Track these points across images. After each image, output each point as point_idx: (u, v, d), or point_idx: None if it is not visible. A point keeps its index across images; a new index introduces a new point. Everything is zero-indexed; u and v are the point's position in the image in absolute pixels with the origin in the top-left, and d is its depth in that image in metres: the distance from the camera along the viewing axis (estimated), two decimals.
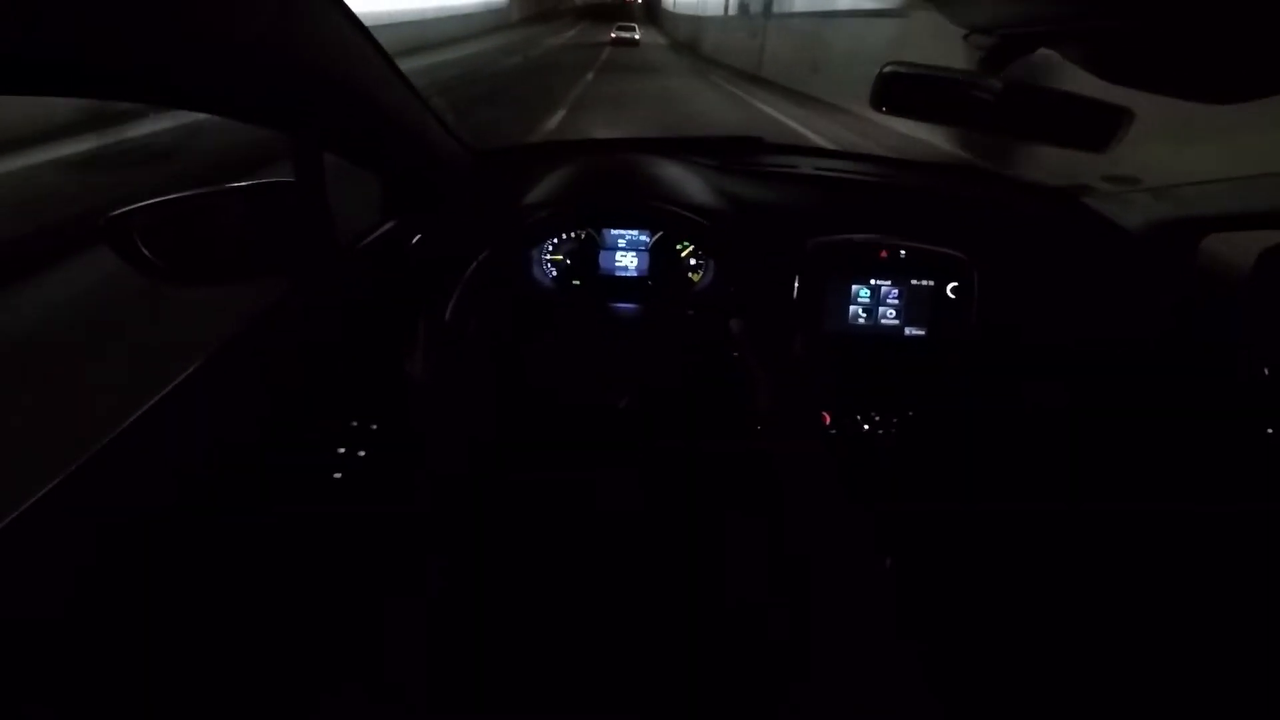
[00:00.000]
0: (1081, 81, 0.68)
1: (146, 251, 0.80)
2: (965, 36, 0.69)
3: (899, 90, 0.77)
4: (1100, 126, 0.73)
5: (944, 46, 0.78)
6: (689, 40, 26.58)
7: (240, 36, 0.54)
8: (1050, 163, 0.86)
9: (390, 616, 0.64)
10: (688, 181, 1.23)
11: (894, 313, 1.18)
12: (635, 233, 1.21)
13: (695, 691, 0.83)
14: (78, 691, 0.60)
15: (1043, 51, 0.66)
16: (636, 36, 27.26)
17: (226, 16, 0.51)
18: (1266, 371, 1.14)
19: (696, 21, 26.63)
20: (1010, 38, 0.64)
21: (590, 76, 13.90)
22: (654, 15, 54.88)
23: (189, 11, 0.48)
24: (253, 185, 0.85)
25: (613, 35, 27.01)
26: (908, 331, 1.19)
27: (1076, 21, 0.54)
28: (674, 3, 39.16)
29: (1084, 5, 0.52)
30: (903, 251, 1.14)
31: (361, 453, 1.01)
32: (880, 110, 0.77)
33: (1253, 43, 0.49)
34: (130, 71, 0.49)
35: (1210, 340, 1.21)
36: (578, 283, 1.21)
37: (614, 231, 1.20)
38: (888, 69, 0.76)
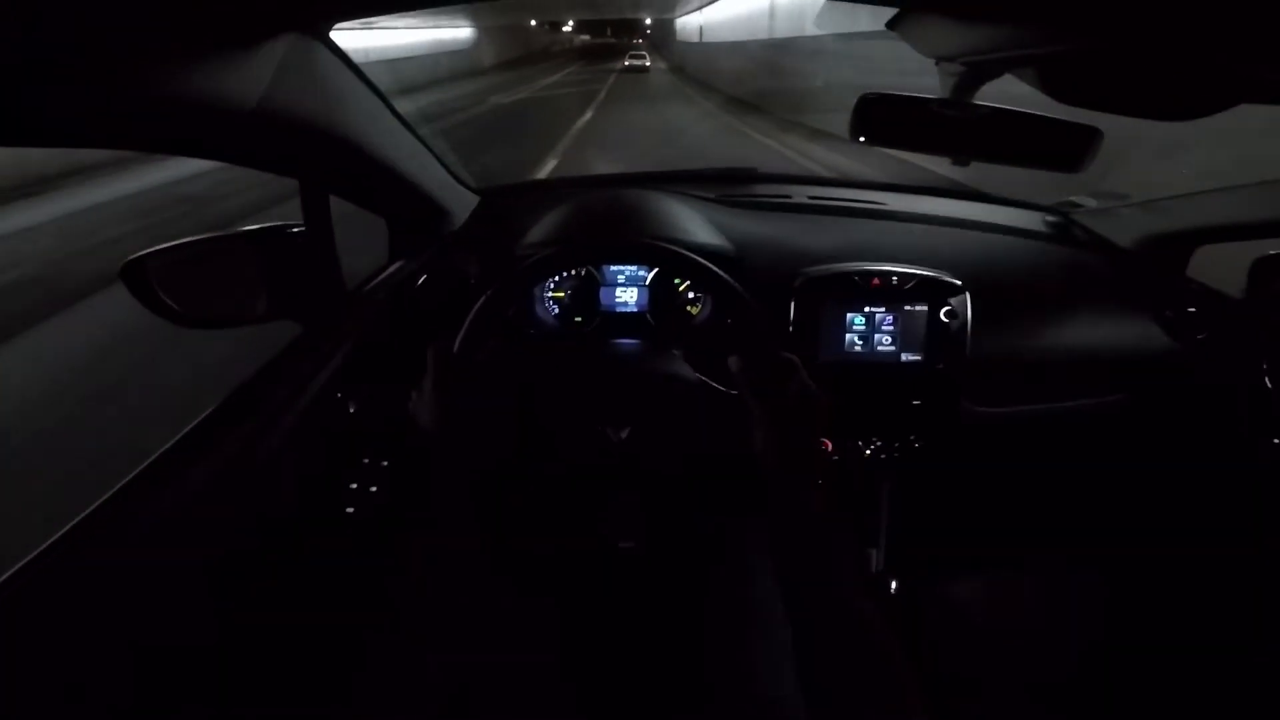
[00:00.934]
0: (1049, 106, 0.71)
1: (162, 294, 0.84)
2: (936, 64, 0.72)
3: (876, 119, 0.79)
4: (1071, 147, 0.75)
5: None
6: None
7: (246, 88, 0.57)
8: (1039, 181, 0.88)
9: (390, 651, 0.65)
10: (685, 216, 1.26)
11: (890, 339, 1.20)
12: (634, 268, 1.23)
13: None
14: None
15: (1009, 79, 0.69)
16: (646, 64, 30.14)
17: (231, 69, 0.55)
18: (1269, 383, 1.14)
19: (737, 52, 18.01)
20: (976, 65, 0.67)
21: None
22: (662, 46, 48.80)
23: (194, 64, 0.51)
24: (262, 229, 0.89)
25: (625, 63, 30.39)
26: (904, 357, 1.20)
27: (1033, 48, 0.57)
28: (698, 29, 29.13)
29: (1038, 32, 0.54)
30: (895, 278, 1.16)
31: (374, 488, 1.03)
32: (858, 140, 0.80)
33: (1199, 63, 0.52)
34: (142, 122, 0.53)
35: (1207, 352, 1.21)
36: (579, 319, 1.23)
37: (613, 268, 1.23)
38: (864, 98, 0.78)
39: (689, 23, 34.02)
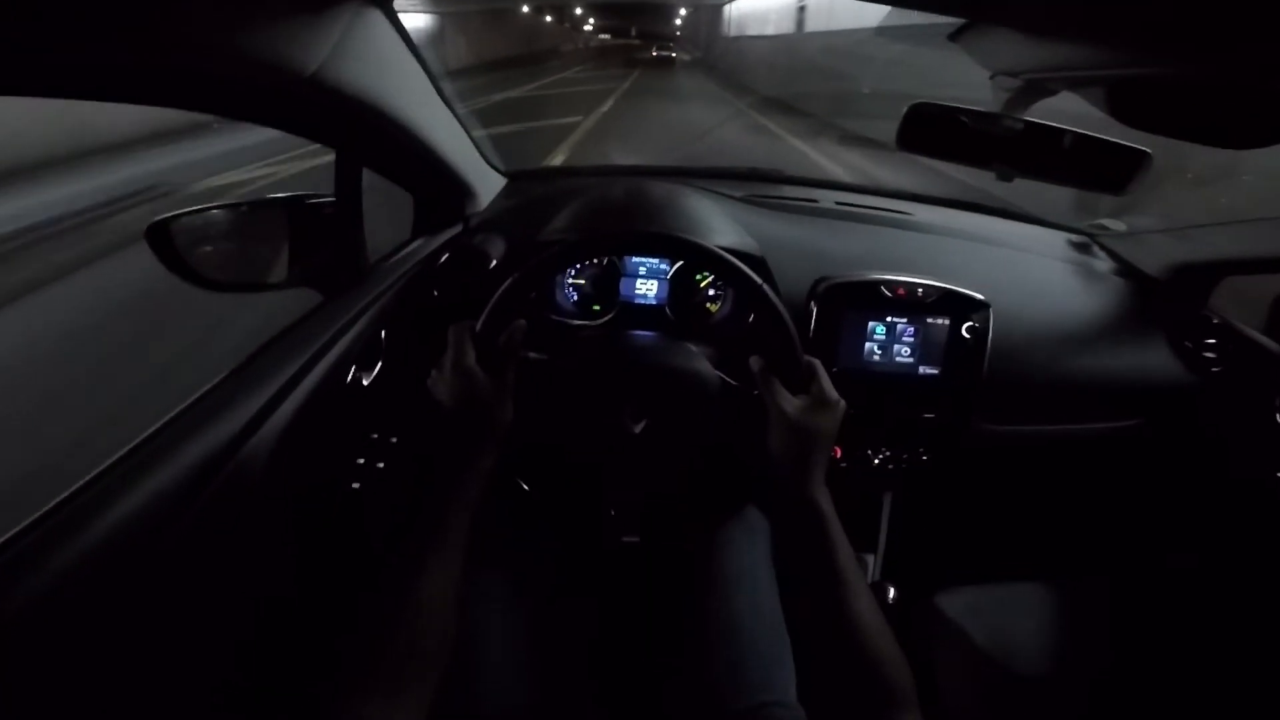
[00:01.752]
0: (1100, 124, 0.70)
1: (185, 258, 0.83)
2: (991, 77, 0.71)
3: (923, 130, 0.79)
4: (1119, 169, 0.75)
5: None
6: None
7: (308, 54, 0.56)
8: (1068, 201, 0.88)
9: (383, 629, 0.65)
10: (711, 212, 1.25)
11: (909, 351, 1.19)
12: (656, 261, 1.22)
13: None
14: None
15: (1065, 96, 0.68)
16: (673, 55, 25.83)
17: (297, 35, 0.54)
18: (1278, 416, 1.14)
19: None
20: (1034, 81, 0.66)
21: None
22: (704, 46, 33.87)
23: (262, 29, 0.50)
24: (293, 198, 0.88)
25: (654, 53, 27.52)
26: (921, 370, 1.19)
27: (1099, 69, 0.56)
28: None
29: (1107, 54, 0.54)
30: (920, 290, 1.15)
31: (380, 464, 1.03)
32: (904, 149, 0.79)
33: (1267, 91, 0.51)
34: (226, 86, 0.52)
35: (1221, 385, 1.21)
36: (598, 308, 1.23)
37: (635, 259, 1.22)
38: (914, 108, 0.78)
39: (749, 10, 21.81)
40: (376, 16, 0.66)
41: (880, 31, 11.68)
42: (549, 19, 47.98)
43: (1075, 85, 0.62)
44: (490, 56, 23.78)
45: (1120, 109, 0.60)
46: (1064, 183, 0.77)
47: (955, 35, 0.64)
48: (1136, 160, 0.74)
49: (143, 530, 0.66)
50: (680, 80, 21.36)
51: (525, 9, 34.13)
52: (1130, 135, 0.71)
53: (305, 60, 0.56)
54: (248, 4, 0.47)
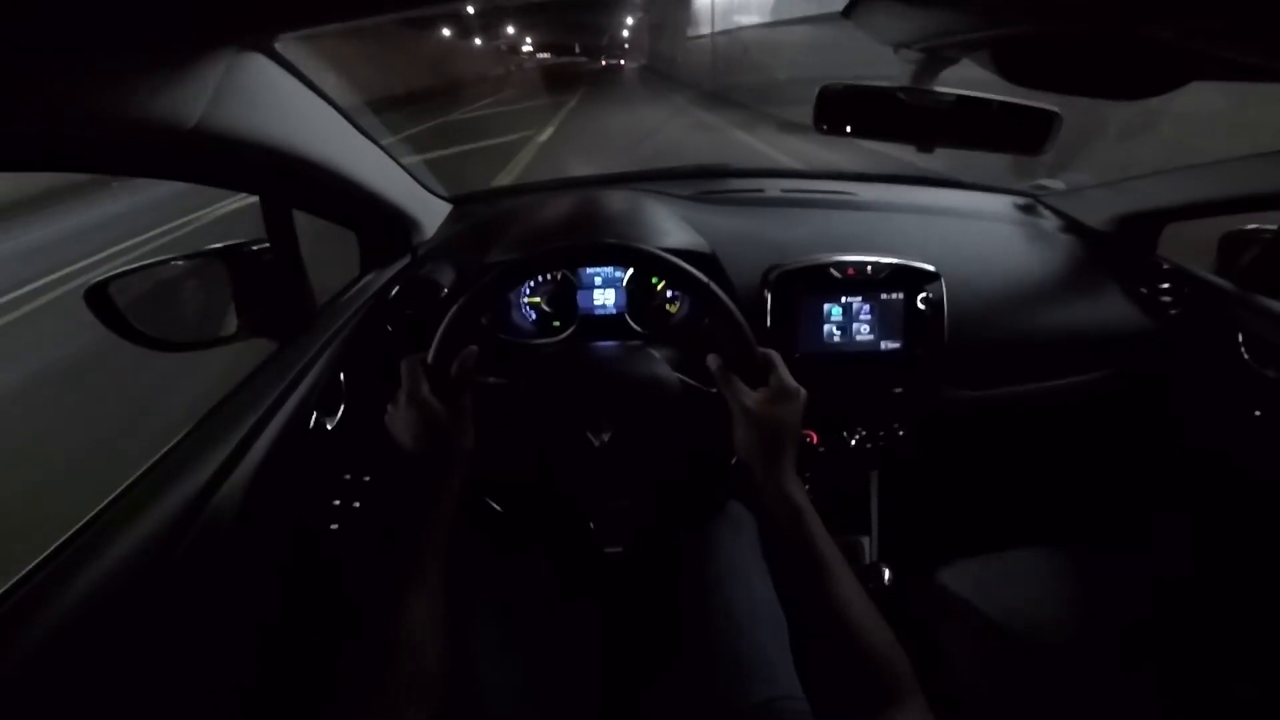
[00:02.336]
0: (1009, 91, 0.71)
1: (129, 319, 0.82)
2: (895, 51, 0.73)
3: (836, 110, 0.80)
4: (1031, 130, 0.76)
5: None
6: None
7: (187, 104, 0.56)
8: (1009, 165, 0.89)
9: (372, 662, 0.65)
10: (658, 215, 1.26)
11: (868, 328, 1.20)
12: (610, 270, 1.23)
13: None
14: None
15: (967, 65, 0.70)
16: (621, 63, 26.31)
17: (171, 85, 0.54)
18: (1244, 354, 1.15)
19: None
20: (933, 50, 0.68)
21: None
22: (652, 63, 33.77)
23: (131, 81, 0.50)
24: (228, 248, 0.88)
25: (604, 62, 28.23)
26: (883, 346, 1.20)
27: (984, 31, 0.57)
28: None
29: (988, 16, 0.55)
30: (870, 267, 1.16)
31: (356, 504, 1.02)
32: (821, 130, 0.80)
33: (1151, 43, 0.52)
34: (80, 143, 0.52)
35: (1182, 326, 1.22)
36: (558, 324, 1.23)
37: (589, 270, 1.23)
38: (825, 90, 0.79)
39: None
40: (258, 59, 0.66)
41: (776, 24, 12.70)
42: (477, 41, 39.47)
43: (966, 50, 0.63)
44: (384, 91, 16.85)
45: (1012, 71, 0.61)
46: (980, 148, 0.78)
47: (848, 11, 0.65)
48: (1047, 120, 0.75)
49: (119, 588, 0.66)
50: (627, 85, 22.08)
51: (446, 32, 29.92)
52: (1036, 98, 0.72)
53: (184, 112, 0.56)
54: (110, 63, 0.47)
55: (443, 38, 30.02)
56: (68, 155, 0.54)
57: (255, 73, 0.65)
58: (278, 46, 0.68)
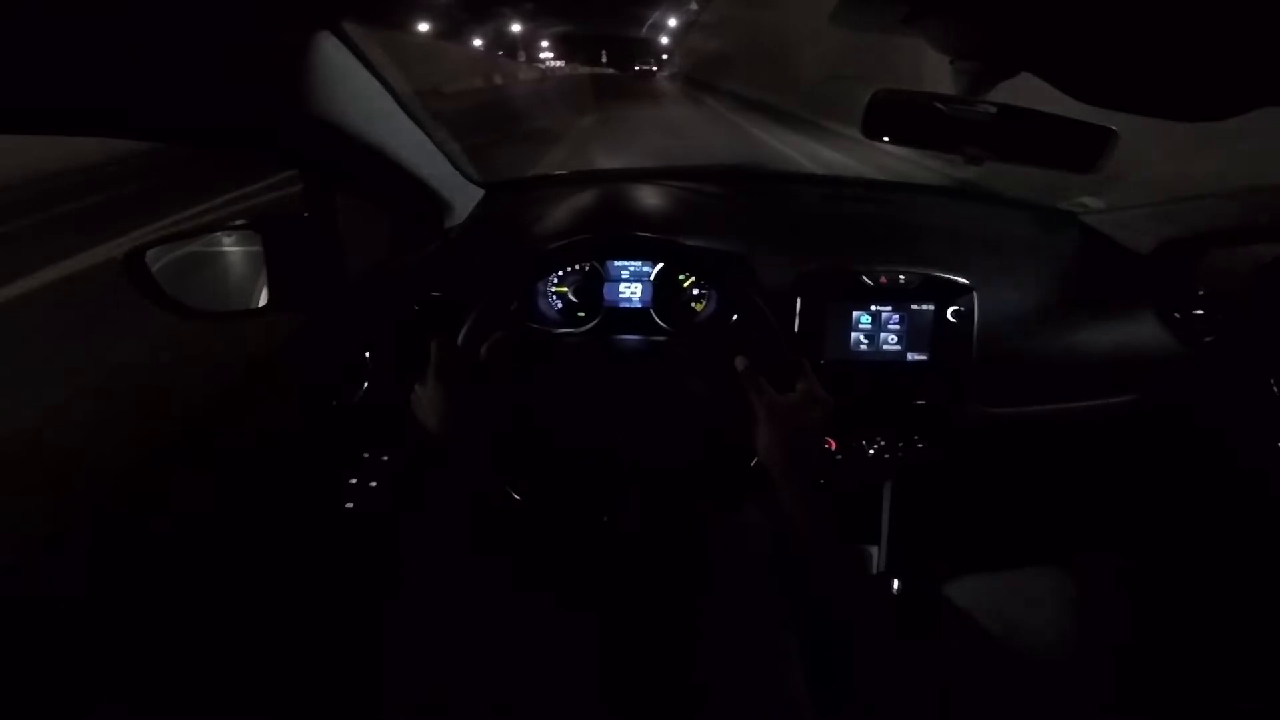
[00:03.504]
0: (1065, 104, 0.70)
1: (164, 287, 0.83)
2: (950, 62, 0.71)
3: (888, 117, 0.79)
4: (1087, 147, 0.74)
5: None
6: None
7: (258, 77, 0.56)
8: (1047, 182, 0.88)
9: (390, 643, 0.65)
10: (689, 211, 1.25)
11: (895, 338, 1.19)
12: (638, 264, 1.22)
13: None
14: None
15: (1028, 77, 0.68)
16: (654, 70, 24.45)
17: (245, 59, 0.54)
18: (1275, 387, 1.14)
19: None
20: (993, 63, 0.66)
21: None
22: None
23: (208, 54, 0.50)
24: (264, 220, 0.88)
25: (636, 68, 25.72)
26: (909, 357, 1.19)
27: (1053, 46, 0.56)
28: None
29: (1059, 30, 0.54)
30: (902, 277, 1.15)
31: (373, 483, 1.03)
32: (871, 138, 0.79)
33: (1226, 61, 0.51)
34: (153, 111, 0.52)
35: (1214, 355, 1.20)
36: (583, 314, 1.23)
37: (617, 263, 1.22)
38: (877, 95, 0.77)
39: None
40: (327, 38, 0.66)
41: None
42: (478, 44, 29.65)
43: (1027, 62, 0.62)
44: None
45: (1075, 86, 0.59)
46: (1033, 163, 0.77)
47: (909, 19, 0.64)
48: (1103, 138, 0.74)
49: (126, 562, 0.67)
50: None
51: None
52: (1093, 114, 0.71)
53: (258, 85, 0.56)
54: (190, 31, 0.47)
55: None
56: (141, 123, 0.54)
57: (324, 51, 0.65)
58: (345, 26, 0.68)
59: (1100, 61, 0.58)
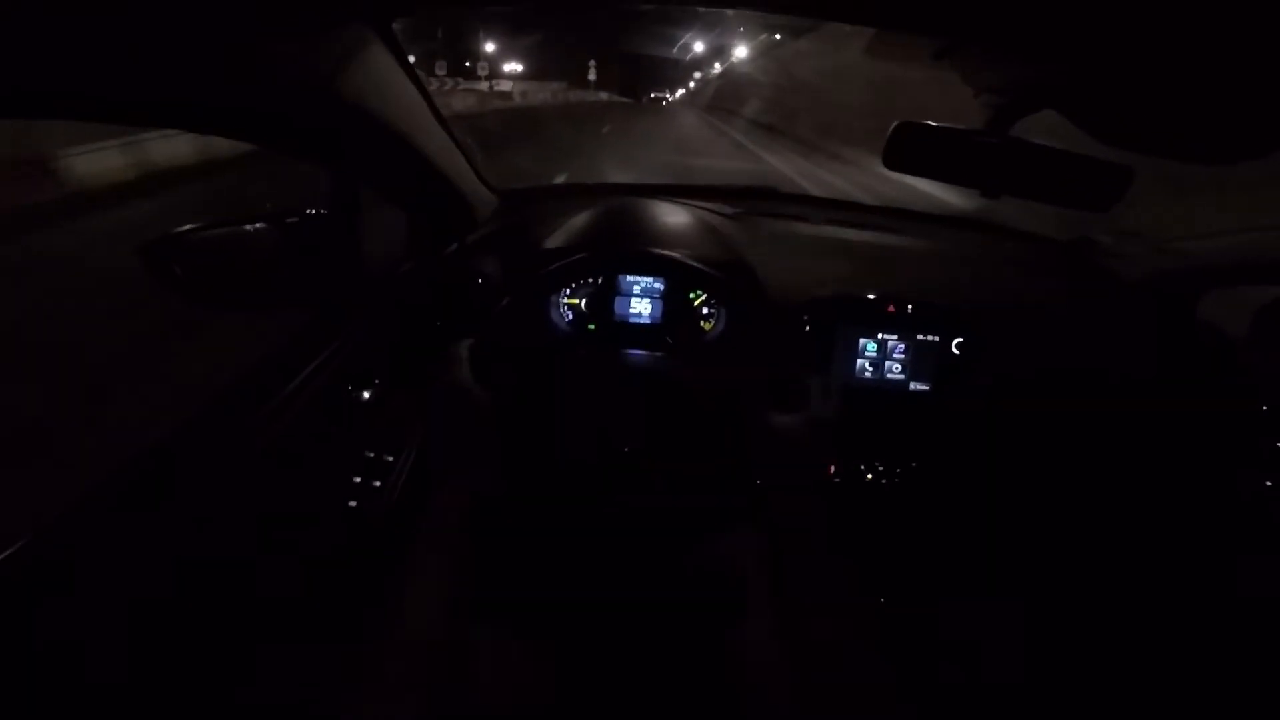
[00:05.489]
0: (1078, 143, 0.72)
1: (183, 276, 0.82)
2: (975, 95, 0.73)
3: (909, 148, 0.80)
4: (1102, 186, 0.76)
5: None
6: None
7: (307, 75, 0.57)
8: (1054, 216, 0.89)
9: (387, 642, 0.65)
10: (702, 230, 1.26)
11: (900, 367, 1.20)
12: (649, 280, 1.23)
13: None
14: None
15: (1047, 114, 0.70)
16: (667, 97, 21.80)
17: (295, 55, 0.55)
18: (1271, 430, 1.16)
19: None
20: (1018, 98, 0.68)
21: None
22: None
23: (260, 49, 0.51)
24: (286, 214, 0.88)
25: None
26: (913, 386, 1.21)
27: (1081, 85, 0.58)
28: None
29: (1089, 70, 0.55)
30: (909, 307, 1.17)
31: (377, 483, 1.02)
32: (892, 169, 0.81)
33: (1246, 107, 0.53)
34: (194, 104, 0.53)
35: (1210, 394, 1.22)
36: (592, 327, 1.23)
37: (629, 278, 1.23)
38: (899, 127, 0.79)
39: None
40: (373, 37, 0.67)
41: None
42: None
43: (1059, 103, 0.63)
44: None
45: (1101, 126, 0.61)
46: (1048, 200, 0.78)
47: (941, 54, 0.65)
48: (1119, 177, 0.76)
49: (131, 554, 0.66)
50: None
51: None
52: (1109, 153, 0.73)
53: (307, 79, 0.56)
54: (242, 27, 0.48)
55: None
56: (194, 117, 0.55)
57: (369, 50, 0.66)
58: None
59: (1124, 101, 0.60)
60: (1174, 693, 1.05)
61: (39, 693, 0.57)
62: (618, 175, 8.50)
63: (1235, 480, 1.23)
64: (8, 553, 0.58)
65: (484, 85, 23.85)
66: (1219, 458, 1.26)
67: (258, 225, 0.90)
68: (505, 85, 25.84)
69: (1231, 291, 1.24)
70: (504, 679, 0.84)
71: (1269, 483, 1.17)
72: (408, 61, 0.75)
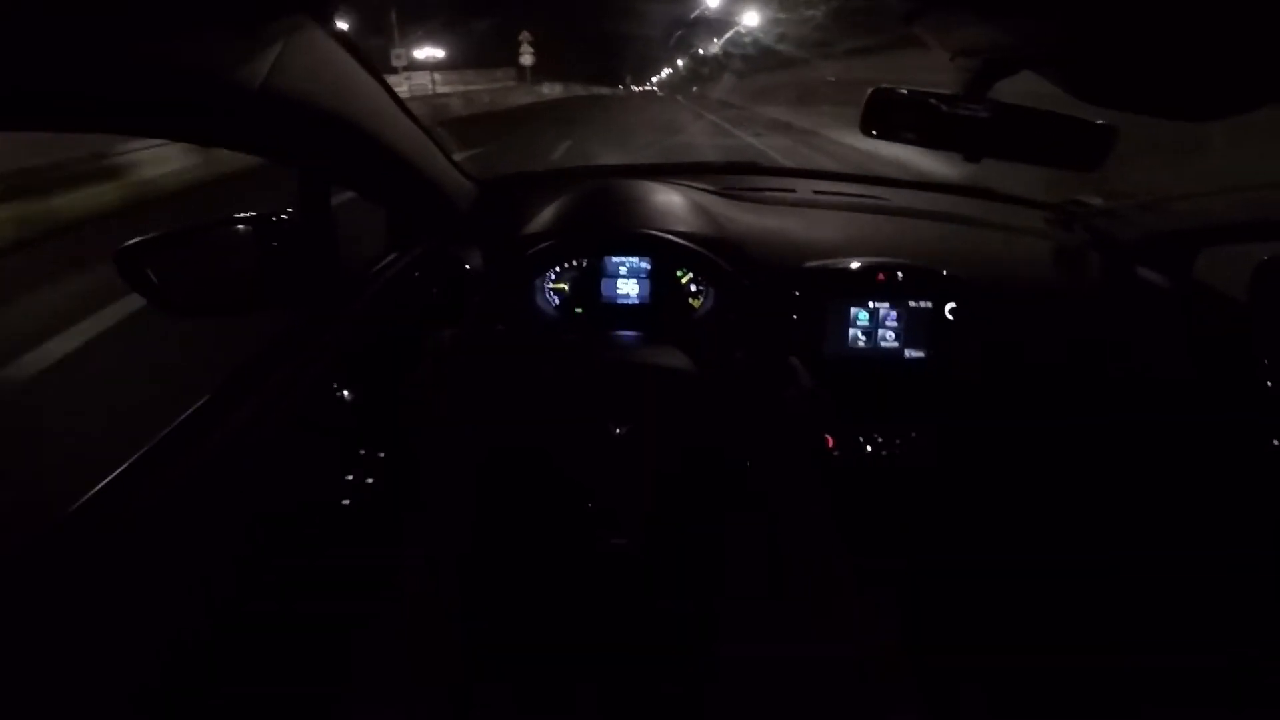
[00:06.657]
0: (1064, 103, 0.70)
1: (157, 283, 0.82)
2: (951, 59, 0.71)
3: (888, 114, 0.78)
4: (1088, 146, 0.74)
5: None
6: None
7: (247, 73, 0.56)
8: (1044, 178, 0.88)
9: (387, 641, 0.65)
10: (686, 208, 1.24)
11: (893, 335, 1.19)
12: (635, 260, 1.22)
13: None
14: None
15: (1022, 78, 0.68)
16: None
17: (233, 53, 0.53)
18: (1269, 384, 1.14)
19: None
20: (994, 61, 0.66)
21: None
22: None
23: (195, 48, 0.49)
24: (259, 217, 0.87)
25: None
26: (908, 354, 1.19)
27: (1057, 45, 0.56)
28: None
29: (1063, 29, 0.53)
30: (900, 274, 1.15)
31: (369, 480, 1.02)
32: (870, 135, 0.79)
33: (1225, 62, 0.51)
34: (142, 107, 0.51)
35: (1209, 352, 1.21)
36: (580, 310, 1.22)
37: (614, 259, 1.22)
38: (876, 92, 0.77)
39: None
40: (315, 30, 0.65)
41: None
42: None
43: (1032, 63, 0.61)
44: None
45: (1077, 86, 0.59)
46: (1032, 161, 0.77)
47: (910, 17, 0.63)
48: (1105, 136, 0.74)
49: (124, 561, 0.66)
50: None
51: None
52: (1093, 113, 0.71)
53: (246, 79, 0.55)
54: (177, 25, 0.47)
55: None
56: (130, 118, 0.53)
57: (314, 45, 0.65)
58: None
59: (1101, 60, 0.58)
60: (1175, 670, 1.05)
61: (39, 693, 0.58)
62: None
63: (1233, 444, 1.22)
64: (8, 553, 0.58)
65: (403, 85, 16.77)
66: (1219, 422, 1.24)
67: (231, 229, 0.89)
68: (422, 78, 19.38)
69: (1227, 250, 1.21)
70: (511, 668, 0.85)
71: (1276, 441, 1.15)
72: (359, 51, 0.73)
